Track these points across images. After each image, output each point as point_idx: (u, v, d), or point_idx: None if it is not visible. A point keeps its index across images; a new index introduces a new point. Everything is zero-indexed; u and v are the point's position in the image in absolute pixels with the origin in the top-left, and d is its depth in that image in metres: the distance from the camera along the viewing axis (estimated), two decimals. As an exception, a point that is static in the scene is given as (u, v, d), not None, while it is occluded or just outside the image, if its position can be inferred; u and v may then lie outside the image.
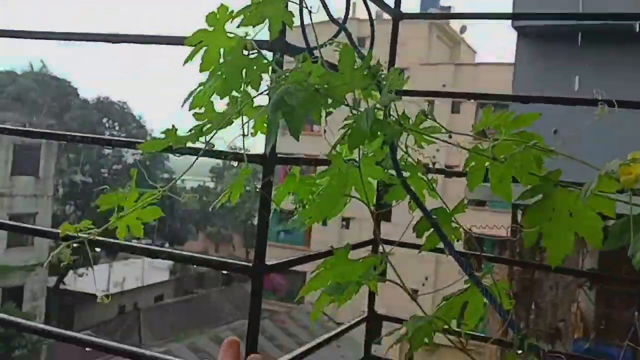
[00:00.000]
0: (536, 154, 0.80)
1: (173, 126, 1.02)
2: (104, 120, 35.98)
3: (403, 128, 0.87)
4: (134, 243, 1.45)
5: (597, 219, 0.86)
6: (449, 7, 31.71)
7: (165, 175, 36.95)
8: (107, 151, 35.80)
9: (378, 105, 0.87)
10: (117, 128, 36.88)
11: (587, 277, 5.60)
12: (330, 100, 0.96)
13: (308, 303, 26.00)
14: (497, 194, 0.92)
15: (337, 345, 22.54)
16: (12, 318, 1.51)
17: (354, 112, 0.93)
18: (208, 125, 0.98)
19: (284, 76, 0.93)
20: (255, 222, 1.31)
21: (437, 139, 0.91)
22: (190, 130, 1.02)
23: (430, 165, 1.16)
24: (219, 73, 1.17)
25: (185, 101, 1.14)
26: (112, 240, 1.32)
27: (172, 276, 34.73)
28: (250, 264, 1.24)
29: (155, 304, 31.38)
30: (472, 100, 23.95)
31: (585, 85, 5.38)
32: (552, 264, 0.92)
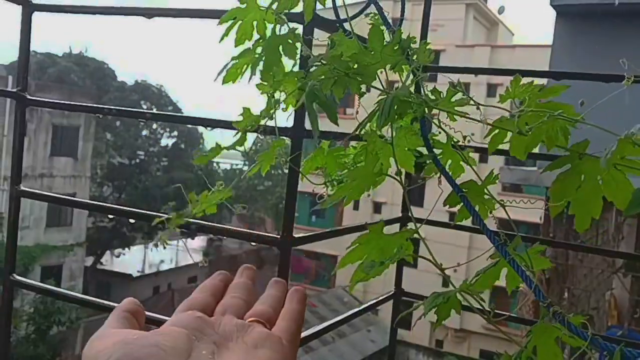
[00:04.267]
0: (562, 124, 0.80)
1: (217, 144, 1.08)
2: (142, 102, 36.46)
3: (430, 105, 0.87)
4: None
5: (627, 182, 0.85)
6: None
7: (201, 158, 37.34)
8: (144, 133, 36.35)
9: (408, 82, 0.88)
10: (153, 110, 37.32)
11: (623, 257, 5.49)
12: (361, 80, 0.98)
13: (339, 287, 26.12)
14: (515, 155, 0.93)
15: (367, 330, 22.63)
16: (57, 289, 1.57)
17: (385, 90, 0.94)
18: (249, 127, 1.01)
19: (319, 61, 0.95)
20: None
21: (467, 115, 0.92)
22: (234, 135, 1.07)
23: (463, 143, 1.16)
24: (257, 51, 1.19)
25: (218, 75, 1.17)
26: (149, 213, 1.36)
27: (204, 257, 35.26)
28: (278, 236, 1.26)
29: (189, 285, 31.90)
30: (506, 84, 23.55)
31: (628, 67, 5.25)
32: (579, 229, 0.91)
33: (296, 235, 1.33)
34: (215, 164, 38.31)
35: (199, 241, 37.21)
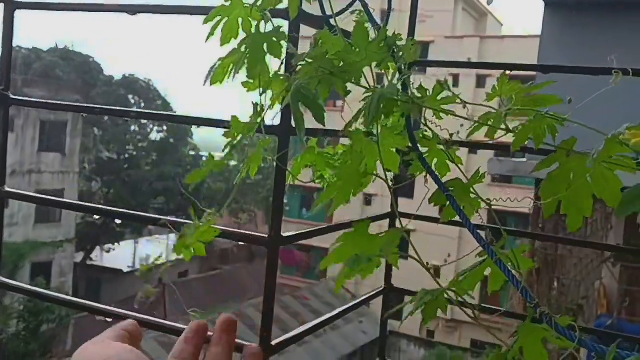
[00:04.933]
0: (550, 122, 0.80)
1: (210, 154, 1.07)
2: (130, 97, 36.25)
3: (417, 103, 0.87)
4: (159, 216, 1.47)
5: (617, 180, 0.84)
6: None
7: (191, 152, 37.31)
8: (132, 128, 36.16)
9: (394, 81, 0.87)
10: (142, 105, 37.14)
11: (612, 251, 5.54)
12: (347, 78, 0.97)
13: (330, 279, 26.18)
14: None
15: (359, 322, 22.71)
16: (43, 291, 1.55)
17: (371, 87, 0.93)
18: (238, 138, 1.00)
19: (304, 59, 0.94)
20: (278, 199, 1.32)
21: (454, 114, 0.91)
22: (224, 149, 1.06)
23: (449, 138, 1.15)
24: (242, 49, 1.18)
25: (206, 79, 1.16)
26: (131, 212, 1.34)
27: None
28: (266, 236, 1.25)
29: (180, 280, 31.86)
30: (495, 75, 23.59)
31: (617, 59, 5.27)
32: (571, 229, 0.91)
33: (285, 234, 1.32)
34: (204, 158, 38.15)
35: (190, 235, 37.10)
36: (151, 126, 36.74)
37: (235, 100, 1.21)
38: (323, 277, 26.98)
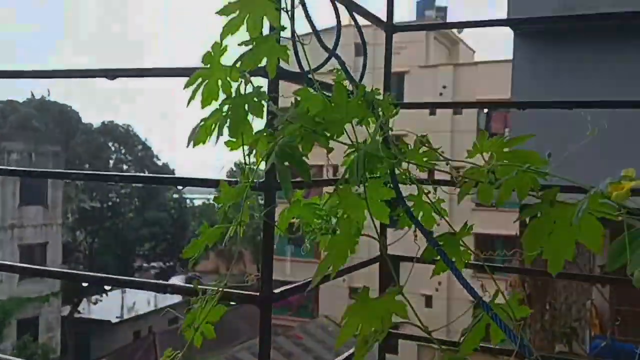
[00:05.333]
0: (531, 177, 0.81)
1: (206, 225, 1.06)
2: (110, 143, 36.16)
3: (399, 159, 0.88)
4: (136, 278, 1.47)
5: (597, 225, 0.86)
6: (445, 7, 31.78)
7: (175, 195, 37.13)
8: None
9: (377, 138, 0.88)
10: (123, 151, 37.08)
11: (599, 281, 5.56)
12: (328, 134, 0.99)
13: (322, 316, 25.90)
14: (482, 201, 0.94)
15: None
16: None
17: (354, 144, 0.95)
18: (227, 205, 1.02)
19: (285, 119, 0.95)
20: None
21: (435, 167, 0.92)
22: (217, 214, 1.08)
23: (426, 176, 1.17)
24: (223, 111, 1.19)
25: (189, 141, 1.17)
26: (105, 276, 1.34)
27: (184, 297, 34.70)
28: (257, 294, 1.25)
29: (170, 327, 31.32)
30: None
31: (583, 83, 5.38)
32: (552, 272, 0.92)
33: (276, 291, 1.32)
34: (188, 201, 38.03)
35: (177, 280, 36.68)
36: (132, 171, 36.57)
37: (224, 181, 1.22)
38: (315, 316, 26.70)
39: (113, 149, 36.51)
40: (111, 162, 36.72)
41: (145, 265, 37.58)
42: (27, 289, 24.27)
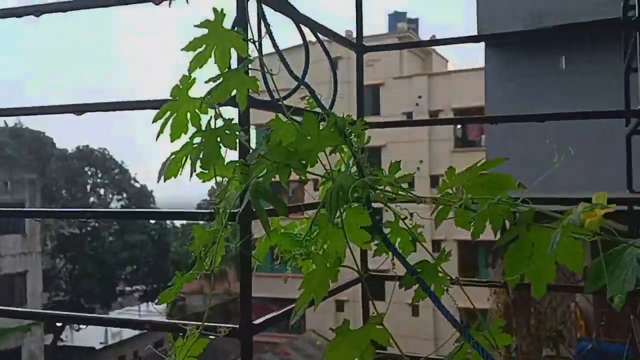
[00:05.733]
0: (505, 208, 0.81)
1: (180, 273, 1.04)
2: (86, 168, 35.82)
3: (373, 187, 0.87)
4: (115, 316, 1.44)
5: (577, 244, 0.86)
6: (416, 19, 32.15)
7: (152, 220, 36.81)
8: (91, 200, 35.59)
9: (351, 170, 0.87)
10: (99, 175, 36.73)
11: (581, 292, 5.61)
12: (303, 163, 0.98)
13: (309, 330, 25.77)
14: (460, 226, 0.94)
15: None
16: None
17: (328, 172, 0.94)
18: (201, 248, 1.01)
19: (260, 152, 0.94)
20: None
21: (412, 194, 0.92)
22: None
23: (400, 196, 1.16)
24: (195, 141, 1.18)
25: (160, 175, 1.15)
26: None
27: (169, 318, 34.29)
28: (237, 326, 1.23)
29: (157, 349, 30.88)
30: (448, 114, 24.06)
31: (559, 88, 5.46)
32: (536, 296, 0.92)
33: (256, 322, 1.30)
34: (169, 222, 37.69)
35: (162, 302, 36.19)
36: (110, 196, 36.26)
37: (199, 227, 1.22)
38: (302, 331, 26.56)
39: (89, 173, 36.16)
40: (88, 186, 36.36)
41: (128, 289, 37.12)
42: (8, 319, 23.81)
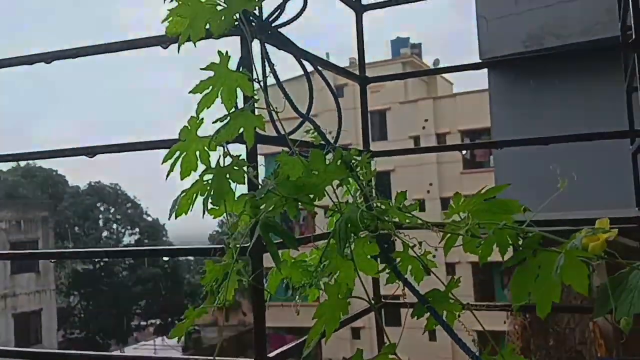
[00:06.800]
0: (510, 233, 0.83)
1: (192, 308, 1.08)
2: (98, 204, 36.04)
3: (381, 219, 0.89)
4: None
5: (582, 266, 0.87)
6: (419, 44, 32.38)
7: (166, 251, 36.83)
8: (104, 234, 35.74)
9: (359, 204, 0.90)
10: (111, 210, 36.94)
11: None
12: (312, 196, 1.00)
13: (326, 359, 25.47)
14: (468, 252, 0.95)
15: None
16: None
17: (335, 204, 0.96)
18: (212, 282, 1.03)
19: (269, 187, 0.97)
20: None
21: (419, 224, 0.94)
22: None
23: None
24: (206, 178, 1.21)
25: (171, 212, 1.18)
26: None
27: (184, 353, 34.11)
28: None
29: (172, 383, 30.63)
30: (455, 135, 24.08)
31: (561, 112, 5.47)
32: (541, 315, 0.93)
33: (271, 355, 1.31)
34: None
35: (177, 335, 35.97)
36: (123, 230, 36.39)
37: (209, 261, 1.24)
38: (319, 357, 26.27)
39: (102, 209, 36.38)
40: (100, 221, 36.53)
41: (142, 323, 37.01)
42: (23, 359, 23.76)
